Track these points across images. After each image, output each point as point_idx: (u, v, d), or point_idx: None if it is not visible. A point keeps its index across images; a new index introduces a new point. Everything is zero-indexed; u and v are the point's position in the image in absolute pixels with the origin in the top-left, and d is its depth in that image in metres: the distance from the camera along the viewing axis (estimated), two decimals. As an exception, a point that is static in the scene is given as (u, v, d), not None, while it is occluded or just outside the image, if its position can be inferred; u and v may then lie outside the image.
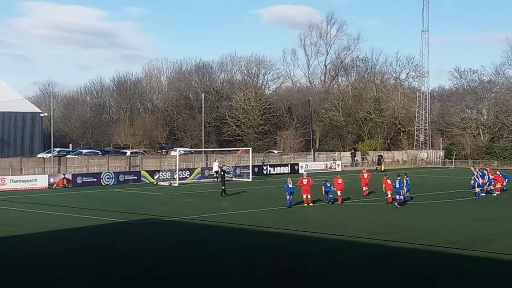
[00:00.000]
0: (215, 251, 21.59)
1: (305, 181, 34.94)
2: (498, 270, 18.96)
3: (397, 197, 34.15)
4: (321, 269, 18.88)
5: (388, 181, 35.49)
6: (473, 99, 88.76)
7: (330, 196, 35.90)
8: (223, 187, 40.11)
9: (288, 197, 34.27)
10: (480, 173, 40.00)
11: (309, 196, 34.69)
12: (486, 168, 43.60)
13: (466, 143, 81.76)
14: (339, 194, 36.21)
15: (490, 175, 40.79)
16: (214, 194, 42.21)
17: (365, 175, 41.02)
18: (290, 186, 34.26)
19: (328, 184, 35.94)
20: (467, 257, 20.53)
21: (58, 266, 19.36)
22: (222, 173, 42.00)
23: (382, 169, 66.87)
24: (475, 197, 38.36)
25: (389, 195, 35.11)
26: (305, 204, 34.51)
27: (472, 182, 40.16)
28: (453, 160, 76.76)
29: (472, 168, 42.75)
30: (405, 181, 35.53)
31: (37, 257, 20.77)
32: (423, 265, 19.25)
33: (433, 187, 46.60)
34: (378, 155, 73.89)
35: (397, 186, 34.37)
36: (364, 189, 40.26)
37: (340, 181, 36.52)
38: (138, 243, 23.39)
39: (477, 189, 39.04)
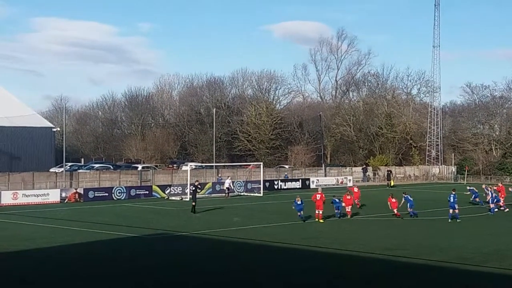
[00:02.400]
0: (225, 266, 21.54)
1: (318, 196, 34.97)
2: None
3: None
4: (333, 285, 18.78)
5: (393, 199, 36.11)
6: (485, 115, 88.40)
7: (338, 211, 36.10)
8: (193, 203, 39.06)
9: (299, 213, 34.59)
10: (485, 190, 40.55)
11: (320, 212, 34.63)
12: (494, 185, 43.08)
13: (478, 159, 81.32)
14: (348, 209, 36.41)
15: (492, 192, 40.43)
16: (224, 209, 42.20)
17: (355, 189, 40.91)
18: (299, 203, 34.67)
19: (337, 200, 36.34)
20: (480, 273, 20.37)
21: (69, 280, 19.37)
22: (194, 188, 40.40)
23: (392, 185, 66.73)
24: (489, 213, 38.39)
25: (395, 212, 35.98)
26: (316, 220, 34.45)
27: (489, 198, 40.12)
28: (465, 175, 76.32)
29: (484, 187, 42.45)
30: (403, 199, 36.56)
31: (48, 271, 20.80)
32: (436, 282, 19.10)
33: (445, 202, 46.17)
34: (388, 171, 73.74)
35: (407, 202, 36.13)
36: (347, 210, 36.96)
37: (348, 197, 37.06)
38: (149, 258, 23.37)
39: (491, 205, 39.06)
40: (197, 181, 43.91)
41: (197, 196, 39.92)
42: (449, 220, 34.20)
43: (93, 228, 31.46)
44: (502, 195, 41.22)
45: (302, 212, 34.65)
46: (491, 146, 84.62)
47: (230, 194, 52.51)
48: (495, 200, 39.78)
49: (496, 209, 39.15)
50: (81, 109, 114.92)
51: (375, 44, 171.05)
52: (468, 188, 44.67)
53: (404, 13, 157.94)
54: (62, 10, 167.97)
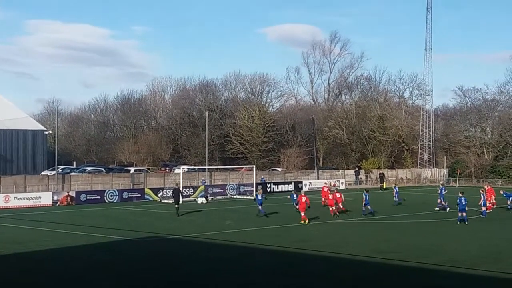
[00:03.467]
0: (216, 269, 21.51)
1: (303, 199, 35.44)
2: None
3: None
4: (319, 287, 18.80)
5: (330, 196, 39.13)
6: (477, 118, 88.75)
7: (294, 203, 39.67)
8: (176, 206, 39.06)
9: (259, 207, 37.78)
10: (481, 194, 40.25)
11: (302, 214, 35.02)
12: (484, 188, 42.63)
13: (470, 162, 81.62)
14: (330, 208, 38.16)
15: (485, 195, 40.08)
16: (217, 212, 42.20)
17: (325, 189, 41.24)
18: (259, 197, 38.04)
19: (295, 196, 40.38)
20: (473, 276, 20.40)
21: (61, 284, 19.30)
22: (176, 192, 40.11)
23: (384, 187, 67.02)
24: (481, 215, 38.37)
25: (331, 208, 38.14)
26: (302, 222, 34.59)
27: (481, 201, 39.98)
28: (457, 178, 76.55)
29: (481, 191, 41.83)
30: (364, 195, 39.12)
31: (40, 274, 20.72)
32: (428, 285, 19.13)
33: (436, 205, 46.37)
34: (380, 173, 74.00)
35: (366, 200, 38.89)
36: (330, 208, 38.63)
37: (331, 196, 39.07)
38: (141, 261, 23.31)
39: (483, 208, 39.04)
40: (177, 184, 44.17)
41: (181, 199, 39.79)
42: (458, 223, 34.11)
43: (85, 232, 31.37)
44: (488, 198, 40.66)
45: (261, 206, 37.55)
46: (483, 149, 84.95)
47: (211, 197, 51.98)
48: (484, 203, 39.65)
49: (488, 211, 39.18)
50: (74, 112, 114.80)
51: (367, 47, 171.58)
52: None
53: (396, 16, 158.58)
54: (56, 13, 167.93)
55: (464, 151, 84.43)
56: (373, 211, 38.94)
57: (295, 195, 41.77)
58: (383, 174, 73.75)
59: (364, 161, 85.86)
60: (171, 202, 49.24)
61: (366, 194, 39.33)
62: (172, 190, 41.33)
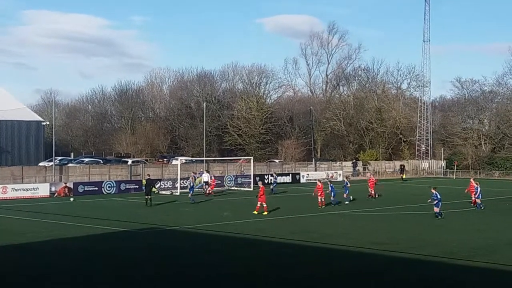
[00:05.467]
0: (214, 261, 21.57)
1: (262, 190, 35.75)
2: (500, 282, 18.94)
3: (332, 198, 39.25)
4: (321, 279, 18.86)
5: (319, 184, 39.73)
6: (474, 109, 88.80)
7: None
8: (149, 197, 39.71)
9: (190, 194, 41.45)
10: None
11: (264, 205, 35.27)
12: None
13: (467, 154, 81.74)
14: (319, 200, 38.57)
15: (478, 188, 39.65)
16: (214, 203, 42.27)
17: (319, 184, 40.70)
18: (191, 185, 42.64)
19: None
20: (468, 267, 20.51)
21: (58, 274, 19.36)
22: (148, 183, 40.72)
23: (404, 178, 68.49)
24: (476, 208, 38.35)
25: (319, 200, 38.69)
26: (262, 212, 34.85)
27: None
28: (455, 170, 76.71)
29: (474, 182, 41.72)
30: (330, 187, 40.01)
31: (38, 265, 20.77)
32: (424, 276, 19.22)
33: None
34: (401, 165, 76.38)
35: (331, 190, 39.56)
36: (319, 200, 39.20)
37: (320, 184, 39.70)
38: (139, 252, 23.37)
39: (478, 201, 38.99)
40: (148, 174, 44.85)
41: (150, 190, 40.14)
42: (439, 217, 33.39)
43: (83, 223, 31.41)
44: (473, 192, 39.80)
45: (192, 192, 41.38)
46: (480, 141, 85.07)
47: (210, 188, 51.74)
48: (479, 196, 39.17)
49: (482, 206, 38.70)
50: (71, 103, 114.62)
51: (365, 39, 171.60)
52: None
53: (394, 7, 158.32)
54: (54, 3, 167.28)
55: (461, 142, 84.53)
56: (338, 202, 39.92)
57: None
58: (404, 165, 75.87)
59: (362, 152, 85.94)
60: (168, 193, 49.47)
61: (331, 185, 40.61)
62: (146, 180, 41.56)
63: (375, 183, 46.44)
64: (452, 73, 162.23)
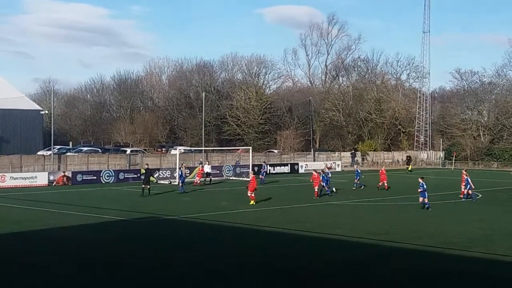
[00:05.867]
0: (212, 250, 21.58)
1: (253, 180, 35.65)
2: (498, 272, 18.95)
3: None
4: (317, 269, 18.88)
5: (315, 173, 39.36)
6: (473, 101, 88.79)
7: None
8: (143, 186, 39.59)
9: (180, 185, 41.75)
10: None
11: (253, 194, 35.04)
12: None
13: (466, 145, 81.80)
14: (315, 189, 38.37)
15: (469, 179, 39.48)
16: (213, 193, 42.30)
17: (315, 174, 40.60)
18: (180, 174, 42.28)
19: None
20: (467, 258, 20.53)
21: (56, 263, 19.36)
22: (147, 173, 40.68)
23: (410, 169, 68.53)
24: (472, 199, 37.84)
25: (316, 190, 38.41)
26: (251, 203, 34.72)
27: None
28: (453, 161, 76.76)
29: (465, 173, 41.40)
30: (321, 177, 39.53)
31: (36, 254, 20.77)
32: (422, 266, 19.24)
33: (433, 188, 46.49)
34: (407, 156, 76.53)
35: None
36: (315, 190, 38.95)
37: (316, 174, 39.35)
38: (137, 241, 23.39)
39: (470, 192, 38.29)
40: (146, 164, 44.90)
41: (149, 180, 40.01)
42: (430, 210, 32.49)
43: (81, 212, 31.42)
44: (463, 183, 39.27)
45: (183, 184, 41.49)
46: (479, 132, 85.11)
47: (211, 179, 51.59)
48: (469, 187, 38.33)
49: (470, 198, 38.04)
50: (70, 92, 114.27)
51: (365, 29, 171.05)
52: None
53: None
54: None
55: (460, 133, 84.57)
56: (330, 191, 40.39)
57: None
58: (410, 156, 76.08)
59: (361, 143, 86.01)
60: (167, 183, 49.47)
61: (323, 175, 40.64)
62: (145, 170, 41.56)
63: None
64: (452, 64, 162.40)
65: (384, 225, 27.41)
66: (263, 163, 55.20)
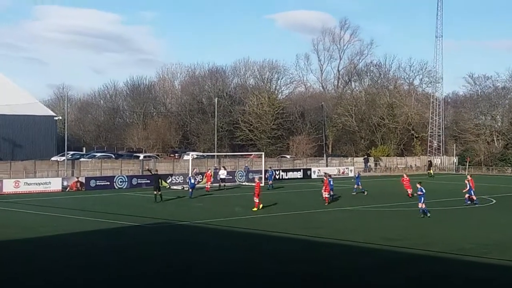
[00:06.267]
0: (226, 256, 21.59)
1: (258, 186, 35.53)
2: (512, 278, 18.82)
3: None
4: (330, 275, 18.84)
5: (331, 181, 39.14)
6: (487, 106, 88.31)
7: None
8: (155, 192, 39.37)
9: (190, 190, 41.65)
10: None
11: (257, 200, 34.80)
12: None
13: (480, 150, 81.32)
14: (325, 195, 37.89)
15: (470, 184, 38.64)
16: (226, 198, 42.32)
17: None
18: (192, 181, 42.33)
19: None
20: (481, 264, 20.39)
21: (70, 269, 19.44)
22: (156, 179, 40.64)
23: (432, 174, 68.27)
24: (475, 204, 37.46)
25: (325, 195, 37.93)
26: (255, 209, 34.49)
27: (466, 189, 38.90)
28: (467, 166, 76.32)
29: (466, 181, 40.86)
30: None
31: (49, 260, 20.87)
32: (435, 272, 19.14)
33: (446, 193, 46.37)
34: (429, 160, 76.68)
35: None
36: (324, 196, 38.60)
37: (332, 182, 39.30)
38: (149, 247, 23.44)
39: (467, 196, 37.91)
40: (156, 170, 44.86)
41: (159, 186, 39.95)
42: (426, 215, 31.77)
43: (95, 217, 31.54)
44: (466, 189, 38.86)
45: (192, 189, 41.56)
46: (493, 137, 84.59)
47: (225, 184, 51.63)
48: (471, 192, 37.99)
49: (469, 202, 37.80)
50: (83, 98, 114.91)
51: (377, 34, 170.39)
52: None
53: (407, 3, 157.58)
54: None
55: (474, 139, 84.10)
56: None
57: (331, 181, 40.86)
58: (431, 161, 76.27)
59: (373, 148, 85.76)
60: (180, 188, 49.56)
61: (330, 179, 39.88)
62: (153, 176, 41.75)
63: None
64: (465, 69, 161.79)
65: (397, 231, 27.30)
66: (269, 169, 55.08)
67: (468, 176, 40.03)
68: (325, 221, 30.77)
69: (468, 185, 38.08)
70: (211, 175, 48.99)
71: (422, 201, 31.92)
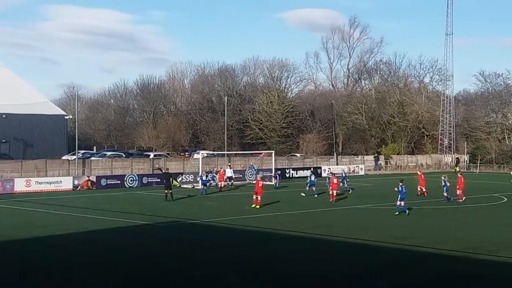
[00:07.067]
0: (236, 254, 21.60)
1: (260, 184, 35.81)
2: (524, 276, 18.72)
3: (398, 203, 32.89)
4: (342, 273, 18.81)
5: (335, 180, 39.10)
6: (498, 103, 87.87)
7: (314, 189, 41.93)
8: (166, 191, 39.52)
9: (204, 187, 43.35)
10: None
11: (259, 198, 35.26)
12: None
13: (491, 148, 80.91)
14: (332, 193, 38.52)
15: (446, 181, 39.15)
16: (236, 197, 42.33)
17: (334, 180, 39.85)
18: (204, 178, 44.13)
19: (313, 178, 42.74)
20: (492, 262, 20.30)
21: (81, 267, 19.51)
22: (167, 177, 40.71)
23: (458, 170, 68.43)
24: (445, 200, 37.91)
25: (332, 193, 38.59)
26: (253, 206, 35.00)
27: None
28: (478, 164, 75.97)
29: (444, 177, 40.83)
30: (327, 179, 40.98)
31: (60, 258, 20.96)
32: (448, 270, 19.07)
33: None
34: (456, 158, 77.72)
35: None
36: (331, 193, 39.25)
37: (335, 180, 39.21)
38: (160, 245, 23.49)
39: (445, 194, 38.37)
40: (167, 169, 45.75)
41: (171, 184, 40.07)
42: (397, 213, 32.10)
43: (105, 216, 31.64)
44: (460, 186, 39.39)
45: (205, 186, 43.28)
46: (504, 135, 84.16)
47: (233, 183, 51.61)
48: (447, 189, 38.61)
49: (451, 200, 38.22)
50: (93, 97, 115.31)
51: (387, 32, 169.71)
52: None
53: (417, 0, 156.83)
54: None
55: (485, 136, 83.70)
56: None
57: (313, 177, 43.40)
58: (458, 158, 77.27)
59: (384, 146, 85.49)
60: (190, 187, 49.62)
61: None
62: (164, 175, 41.94)
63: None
64: (476, 66, 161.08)
65: (408, 229, 27.23)
66: (274, 171, 54.40)
67: (459, 174, 40.94)
68: (337, 220, 30.72)
69: (443, 182, 38.74)
70: (223, 174, 48.97)
71: (400, 199, 32.48)
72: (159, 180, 51.86)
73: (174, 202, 38.30)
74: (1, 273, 18.64)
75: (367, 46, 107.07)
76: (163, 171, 43.81)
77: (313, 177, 43.82)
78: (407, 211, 32.31)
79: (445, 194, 38.28)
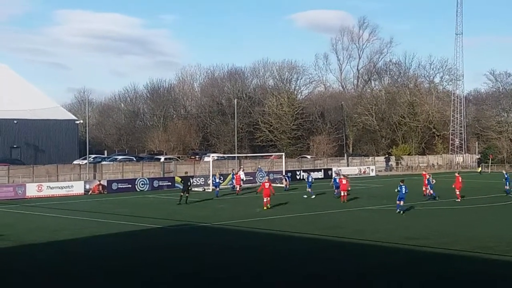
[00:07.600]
0: (247, 257, 21.61)
1: (267, 185, 36.07)
2: (536, 276, 18.61)
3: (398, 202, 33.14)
4: (354, 274, 18.78)
5: (344, 181, 39.39)
6: (509, 102, 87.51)
7: (336, 190, 41.34)
8: (181, 194, 39.54)
9: (216, 189, 44.31)
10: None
11: (268, 199, 35.62)
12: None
13: (502, 147, 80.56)
14: (342, 194, 39.09)
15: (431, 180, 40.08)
16: (247, 200, 42.34)
17: (343, 181, 39.86)
18: (217, 180, 45.21)
19: (337, 180, 41.75)
20: (505, 262, 20.19)
21: (92, 271, 19.58)
22: (185, 180, 40.80)
23: (480, 171, 70.68)
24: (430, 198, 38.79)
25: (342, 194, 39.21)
26: (264, 208, 35.25)
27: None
28: (489, 164, 75.63)
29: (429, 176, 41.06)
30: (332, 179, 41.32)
31: (73, 263, 21.04)
32: (460, 271, 19.00)
33: (469, 191, 45.90)
34: (478, 159, 78.13)
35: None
36: (342, 194, 39.71)
37: (344, 181, 39.46)
38: (171, 249, 23.53)
39: (431, 192, 39.27)
40: (186, 172, 46.48)
41: (188, 188, 40.11)
42: (398, 211, 32.51)
43: (117, 220, 31.74)
44: (457, 186, 39.37)
45: (218, 188, 44.19)
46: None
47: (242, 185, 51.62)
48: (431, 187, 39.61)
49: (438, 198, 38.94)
50: (104, 101, 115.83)
51: (397, 33, 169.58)
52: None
53: (426, 0, 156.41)
54: (86, 2, 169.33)
55: (496, 136, 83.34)
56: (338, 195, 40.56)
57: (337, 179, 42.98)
58: (480, 158, 77.58)
59: (394, 147, 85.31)
60: (201, 190, 49.69)
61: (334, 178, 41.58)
62: (182, 177, 42.26)
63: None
64: (486, 66, 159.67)
65: (419, 230, 27.13)
66: (282, 175, 54.43)
67: (456, 174, 41.26)
68: (347, 221, 30.66)
69: (427, 180, 39.69)
70: (240, 177, 48.82)
71: (399, 199, 32.97)
72: (170, 183, 52.11)
73: (186, 206, 38.33)
74: (13, 278, 18.73)
75: (377, 47, 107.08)
76: (182, 177, 43.62)
77: (310, 178, 44.22)
78: (402, 211, 32.64)
79: (431, 192, 39.15)
